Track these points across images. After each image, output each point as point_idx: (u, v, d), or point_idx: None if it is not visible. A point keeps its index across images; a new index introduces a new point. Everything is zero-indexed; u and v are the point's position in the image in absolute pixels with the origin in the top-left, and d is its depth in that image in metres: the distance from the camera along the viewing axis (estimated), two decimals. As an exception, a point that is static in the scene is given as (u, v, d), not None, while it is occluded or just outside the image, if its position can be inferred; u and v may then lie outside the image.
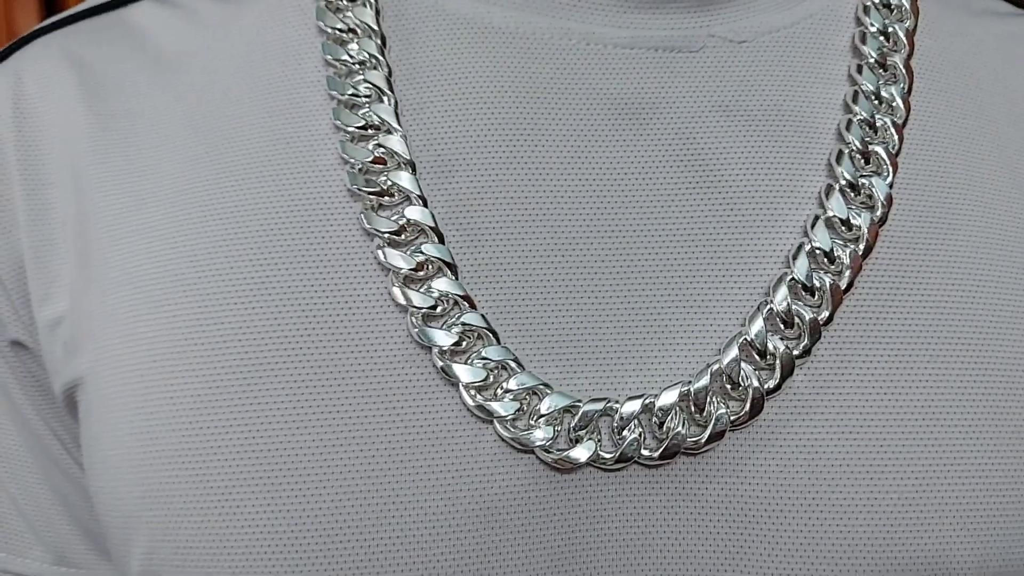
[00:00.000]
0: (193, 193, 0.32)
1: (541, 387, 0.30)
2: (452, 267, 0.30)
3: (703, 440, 0.29)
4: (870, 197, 0.32)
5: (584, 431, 0.30)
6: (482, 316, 0.30)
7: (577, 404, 0.29)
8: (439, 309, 0.30)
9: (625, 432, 0.29)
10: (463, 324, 0.30)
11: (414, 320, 0.30)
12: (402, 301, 0.30)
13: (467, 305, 0.30)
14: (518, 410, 0.29)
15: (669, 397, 0.30)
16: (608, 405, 0.30)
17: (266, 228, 0.31)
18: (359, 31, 0.33)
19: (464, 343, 0.30)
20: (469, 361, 0.30)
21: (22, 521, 0.37)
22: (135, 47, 0.36)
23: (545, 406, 0.30)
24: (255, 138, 0.32)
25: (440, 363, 0.30)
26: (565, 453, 0.29)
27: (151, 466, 0.30)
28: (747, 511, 0.30)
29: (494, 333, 0.30)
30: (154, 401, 0.31)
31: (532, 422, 0.30)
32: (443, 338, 0.30)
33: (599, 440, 0.30)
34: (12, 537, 0.37)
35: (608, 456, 0.29)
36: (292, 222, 0.31)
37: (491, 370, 0.30)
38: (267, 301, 0.30)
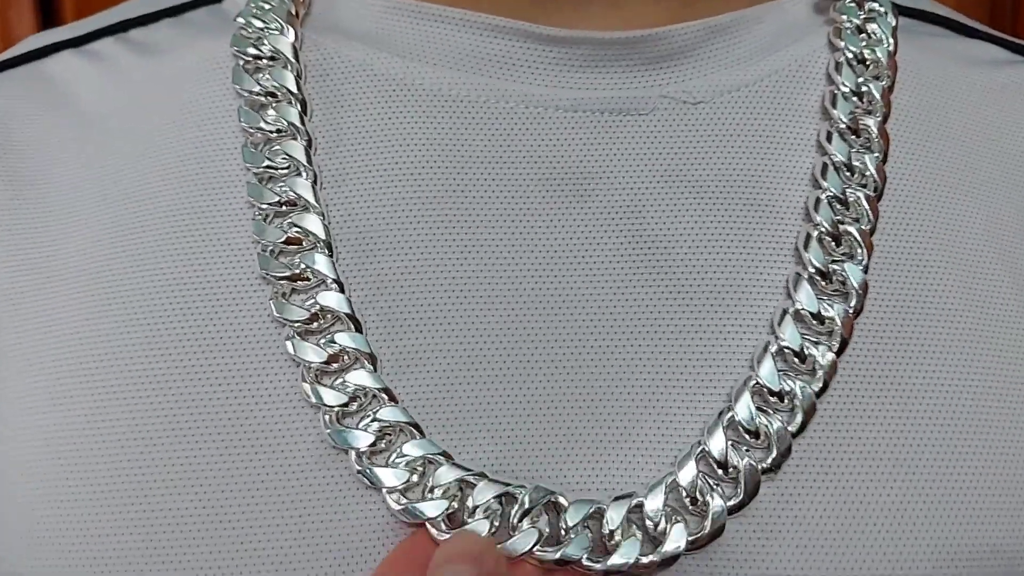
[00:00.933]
0: (98, 273, 0.29)
1: (474, 477, 0.27)
2: (371, 358, 0.28)
3: (656, 563, 0.26)
4: (843, 284, 0.29)
5: (527, 518, 0.26)
6: (403, 410, 0.27)
7: (519, 489, 0.26)
8: (355, 405, 0.27)
9: (571, 533, 0.26)
10: (380, 420, 0.27)
11: (327, 420, 0.27)
12: (313, 400, 0.27)
13: (386, 398, 0.27)
14: (448, 507, 0.27)
15: (618, 512, 0.26)
16: (553, 498, 0.26)
17: (173, 314, 0.28)
18: (279, 95, 0.30)
19: (383, 441, 0.27)
20: (390, 461, 0.27)
21: None
22: (51, 104, 0.33)
23: (480, 496, 0.26)
24: (168, 212, 0.30)
25: (358, 467, 0.27)
26: (504, 543, 0.26)
27: (40, 571, 0.28)
28: None
29: (417, 427, 0.27)
30: (47, 503, 0.28)
31: (466, 517, 0.27)
32: (360, 439, 0.27)
33: (541, 535, 0.26)
34: None
35: (547, 554, 0.26)
36: (201, 307, 0.28)
37: (415, 469, 0.27)
38: (170, 396, 0.28)
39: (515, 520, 0.26)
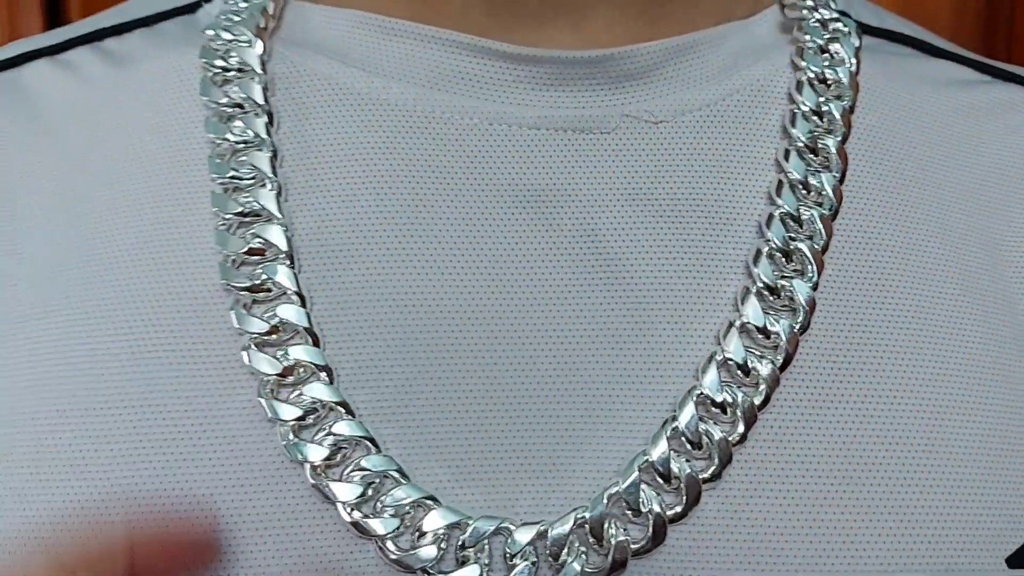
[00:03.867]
0: (61, 282, 0.30)
1: (426, 501, 0.27)
2: (328, 371, 0.28)
3: (604, 571, 0.27)
4: (791, 300, 0.29)
5: (472, 549, 0.27)
6: (359, 424, 0.28)
7: (467, 521, 0.27)
8: (311, 418, 0.28)
9: (517, 559, 0.27)
10: (335, 435, 0.27)
11: (282, 433, 0.27)
12: (269, 414, 0.27)
13: (342, 412, 0.28)
14: (399, 526, 0.27)
15: (563, 526, 0.27)
16: (502, 525, 0.27)
17: (133, 324, 0.29)
18: (246, 106, 0.31)
19: (339, 455, 0.27)
20: (345, 475, 0.27)
21: None
22: (24, 113, 0.33)
23: (429, 523, 0.27)
24: (132, 222, 0.30)
25: (312, 480, 0.27)
26: (450, 575, 0.27)
27: None
28: None
29: (372, 441, 0.28)
30: (7, 513, 0.28)
31: (416, 540, 0.27)
32: (315, 452, 0.27)
33: (489, 563, 0.27)
34: None
35: None
36: (162, 316, 0.29)
37: (370, 483, 0.27)
38: (130, 408, 0.28)
39: (461, 549, 0.27)
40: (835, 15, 0.34)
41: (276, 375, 0.28)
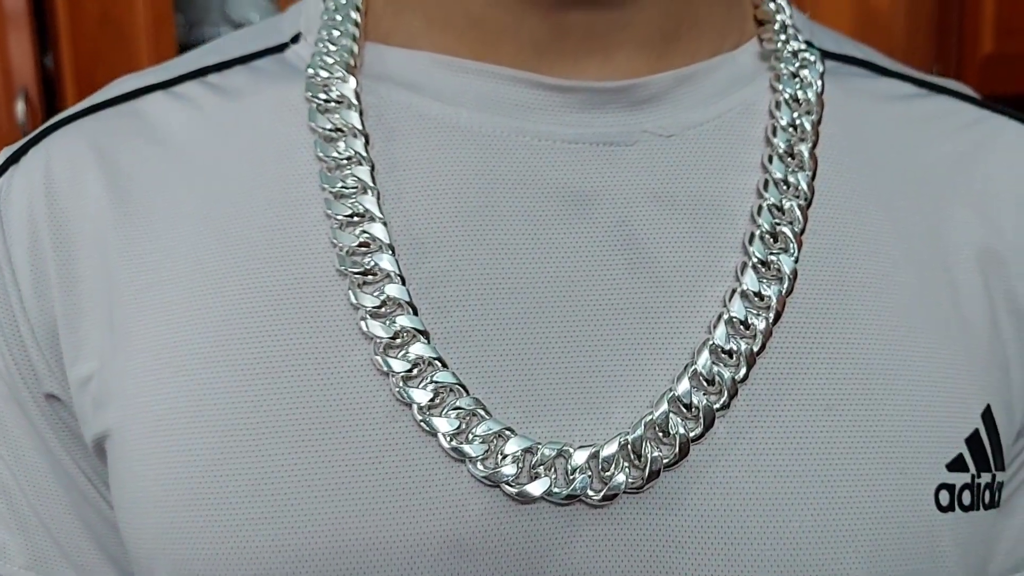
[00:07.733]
0: (204, 274, 0.38)
1: (506, 431, 0.35)
2: (425, 334, 0.36)
3: (641, 481, 0.35)
4: (779, 271, 0.38)
5: (542, 467, 0.35)
6: (453, 374, 0.36)
7: (537, 445, 0.35)
8: (415, 371, 0.36)
9: (576, 474, 0.35)
10: (436, 382, 0.36)
11: (395, 382, 0.36)
12: (383, 368, 0.36)
13: (440, 365, 0.36)
14: (487, 451, 0.35)
15: (611, 448, 0.35)
16: (563, 448, 0.35)
17: (266, 304, 0.37)
18: (346, 130, 0.39)
19: (438, 398, 0.36)
20: (443, 413, 0.36)
21: (55, 548, 0.42)
22: (149, 138, 0.41)
23: (510, 447, 0.35)
24: (256, 225, 0.38)
25: (419, 417, 0.35)
26: (525, 487, 0.35)
27: (170, 508, 0.36)
28: (675, 540, 0.35)
29: (464, 387, 0.36)
30: (173, 453, 0.36)
31: (499, 461, 0.35)
32: (421, 396, 0.35)
33: (554, 478, 0.35)
34: (47, 561, 0.43)
35: (559, 491, 0.35)
36: (288, 299, 0.37)
37: (462, 419, 0.35)
38: (268, 368, 0.36)
39: (533, 468, 0.35)
40: (803, 46, 0.43)
41: (388, 338, 0.36)
